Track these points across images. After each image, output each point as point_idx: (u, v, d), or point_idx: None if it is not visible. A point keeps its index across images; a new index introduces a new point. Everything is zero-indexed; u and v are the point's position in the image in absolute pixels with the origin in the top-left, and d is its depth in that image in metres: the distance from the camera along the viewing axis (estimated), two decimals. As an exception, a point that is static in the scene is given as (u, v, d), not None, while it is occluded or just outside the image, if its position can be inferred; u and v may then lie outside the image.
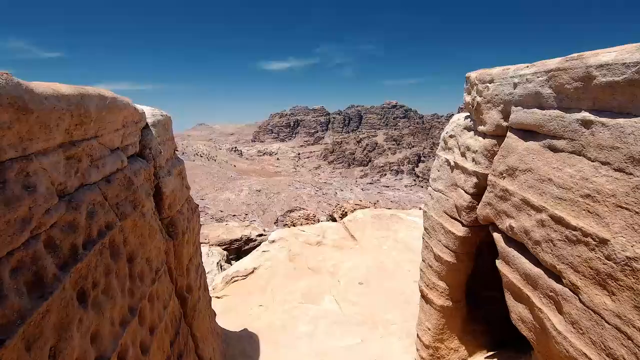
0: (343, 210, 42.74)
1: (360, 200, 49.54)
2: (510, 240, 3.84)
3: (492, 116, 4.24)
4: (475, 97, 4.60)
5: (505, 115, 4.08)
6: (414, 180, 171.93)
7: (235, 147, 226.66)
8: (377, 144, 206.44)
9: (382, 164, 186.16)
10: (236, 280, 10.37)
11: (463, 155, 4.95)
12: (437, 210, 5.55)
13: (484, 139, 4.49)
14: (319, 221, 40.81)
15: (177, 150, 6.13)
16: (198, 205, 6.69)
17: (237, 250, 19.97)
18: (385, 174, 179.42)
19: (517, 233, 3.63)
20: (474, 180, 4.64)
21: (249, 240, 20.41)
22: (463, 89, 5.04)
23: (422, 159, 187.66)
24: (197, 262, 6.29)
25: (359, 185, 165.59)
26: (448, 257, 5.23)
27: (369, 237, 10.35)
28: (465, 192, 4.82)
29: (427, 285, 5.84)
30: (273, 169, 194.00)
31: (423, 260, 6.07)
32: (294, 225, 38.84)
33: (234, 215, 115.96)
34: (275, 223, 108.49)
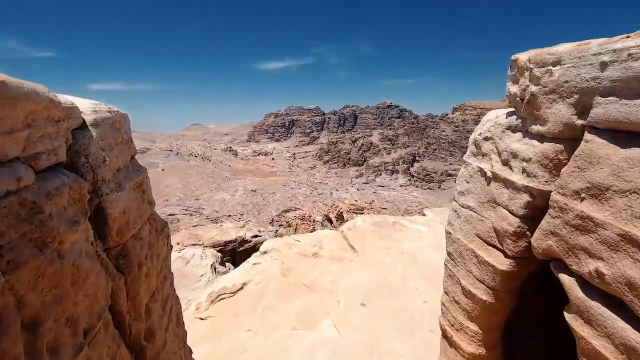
0: (339, 211, 41.49)
1: (356, 200, 48.41)
2: (594, 291, 2.66)
3: (558, 111, 3.06)
4: (527, 86, 3.41)
5: (581, 109, 2.90)
6: (409, 180, 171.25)
7: (230, 147, 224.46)
8: (372, 143, 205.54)
9: (377, 164, 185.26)
10: (223, 299, 9.18)
11: (506, 164, 3.77)
12: (466, 233, 4.36)
13: (541, 142, 3.30)
14: (314, 221, 39.55)
15: (135, 156, 4.85)
16: (167, 223, 5.43)
17: (231, 251, 18.81)
18: (381, 174, 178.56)
19: (611, 283, 2.45)
20: (526, 198, 3.45)
21: (243, 241, 19.25)
22: (509, 76, 3.83)
23: (417, 158, 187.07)
24: (164, 295, 5.04)
25: (354, 185, 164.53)
26: (483, 294, 4.05)
27: (371, 248, 9.13)
28: (511, 213, 3.63)
29: (452, 325, 4.65)
30: (268, 169, 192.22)
31: (446, 293, 4.88)
32: (289, 226, 37.61)
33: (229, 216, 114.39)
34: (270, 223, 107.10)
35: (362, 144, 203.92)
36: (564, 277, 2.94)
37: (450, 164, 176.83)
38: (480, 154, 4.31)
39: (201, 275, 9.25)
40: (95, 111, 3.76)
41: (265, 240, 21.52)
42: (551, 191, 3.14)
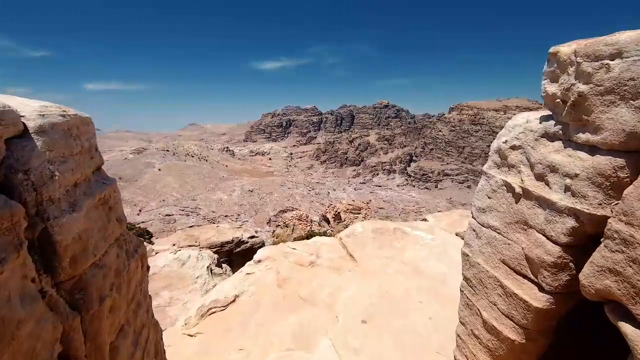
0: (336, 211, 40.96)
1: (353, 200, 47.92)
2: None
3: (619, 117, 2.41)
4: (572, 85, 2.76)
5: (652, 115, 2.25)
6: (406, 179, 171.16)
7: (227, 147, 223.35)
8: (369, 143, 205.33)
9: (374, 164, 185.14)
10: (214, 312, 8.52)
11: (541, 178, 3.12)
12: (488, 257, 3.72)
13: (592, 155, 2.65)
14: (311, 222, 38.96)
15: (102, 166, 4.15)
16: (142, 241, 4.76)
17: (228, 252, 18.24)
18: (378, 174, 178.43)
19: None
20: (570, 223, 2.80)
21: (240, 242, 18.70)
22: (545, 72, 3.17)
23: (414, 158, 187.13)
24: (137, 327, 4.35)
25: (351, 185, 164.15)
26: (510, 332, 3.40)
27: (371, 257, 8.36)
28: (550, 239, 2.99)
29: (470, 363, 3.99)
30: (265, 169, 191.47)
31: (462, 324, 4.23)
32: (287, 226, 36.97)
33: (226, 216, 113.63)
34: (268, 223, 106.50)
35: (359, 144, 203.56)
36: (627, 328, 2.30)
37: (447, 163, 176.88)
38: (506, 165, 3.65)
39: (197, 277, 8.63)
40: (43, 115, 3.06)
41: (262, 241, 20.93)
42: (607, 217, 2.49)
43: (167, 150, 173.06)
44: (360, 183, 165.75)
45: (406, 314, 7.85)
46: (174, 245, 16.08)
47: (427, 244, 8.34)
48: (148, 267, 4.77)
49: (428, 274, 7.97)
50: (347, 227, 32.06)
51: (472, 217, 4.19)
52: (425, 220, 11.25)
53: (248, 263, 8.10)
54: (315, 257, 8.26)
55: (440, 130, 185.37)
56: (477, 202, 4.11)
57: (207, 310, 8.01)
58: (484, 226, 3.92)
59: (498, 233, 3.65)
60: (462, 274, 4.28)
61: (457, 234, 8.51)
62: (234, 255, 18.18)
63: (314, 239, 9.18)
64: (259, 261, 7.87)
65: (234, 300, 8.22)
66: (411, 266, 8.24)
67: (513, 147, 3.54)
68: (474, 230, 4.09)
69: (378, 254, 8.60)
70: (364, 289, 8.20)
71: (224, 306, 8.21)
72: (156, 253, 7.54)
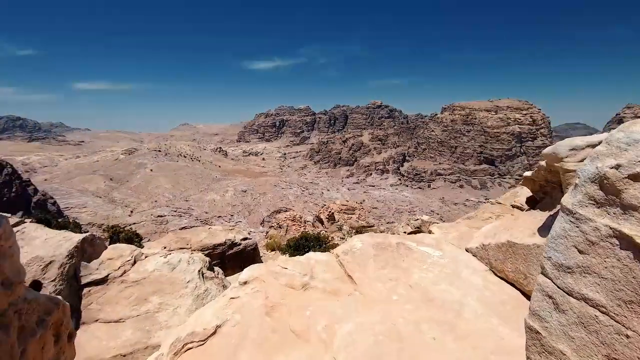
0: (330, 211, 41.02)
1: (347, 201, 47.98)
2: None
3: None
4: None
5: None
6: (399, 179, 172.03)
7: (220, 148, 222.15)
8: (362, 143, 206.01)
9: (367, 164, 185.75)
10: (190, 349, 7.28)
11: None
12: (582, 348, 2.70)
13: None
14: (305, 222, 38.91)
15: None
16: (56, 304, 3.70)
17: (220, 255, 18.05)
18: (371, 174, 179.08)
19: None
20: None
21: (233, 244, 18.53)
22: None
23: (407, 158, 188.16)
24: None
25: (345, 185, 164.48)
26: None
27: (372, 279, 7.19)
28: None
29: None
30: (259, 169, 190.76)
31: None
32: (280, 227, 36.84)
33: (219, 217, 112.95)
34: (261, 224, 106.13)
35: (353, 144, 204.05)
36: None
37: (440, 163, 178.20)
38: (619, 205, 2.53)
39: (188, 282, 8.43)
40: None
41: (255, 243, 20.88)
42: None
43: (159, 151, 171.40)
44: (353, 183, 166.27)
45: (417, 355, 6.55)
46: (164, 248, 15.86)
47: (436, 262, 7.11)
48: (72, 335, 4.20)
49: (440, 302, 6.32)
50: (344, 240, 31.68)
51: (547, 276, 2.98)
52: (430, 232, 10.28)
53: (233, 285, 7.32)
54: (309, 277, 6.98)
55: (432, 130, 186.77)
56: (556, 255, 2.91)
57: (183, 346, 6.93)
58: (571, 295, 2.73)
59: (603, 313, 2.52)
60: (527, 357, 3.22)
61: (467, 250, 7.67)
62: (226, 258, 18.04)
63: (307, 255, 8.26)
64: (245, 283, 6.83)
65: (214, 332, 7.00)
66: (420, 292, 6.71)
67: (636, 177, 2.45)
68: (550, 297, 2.89)
69: (380, 276, 6.98)
70: (366, 322, 6.50)
71: (202, 340, 6.97)
72: (145, 257, 7.41)
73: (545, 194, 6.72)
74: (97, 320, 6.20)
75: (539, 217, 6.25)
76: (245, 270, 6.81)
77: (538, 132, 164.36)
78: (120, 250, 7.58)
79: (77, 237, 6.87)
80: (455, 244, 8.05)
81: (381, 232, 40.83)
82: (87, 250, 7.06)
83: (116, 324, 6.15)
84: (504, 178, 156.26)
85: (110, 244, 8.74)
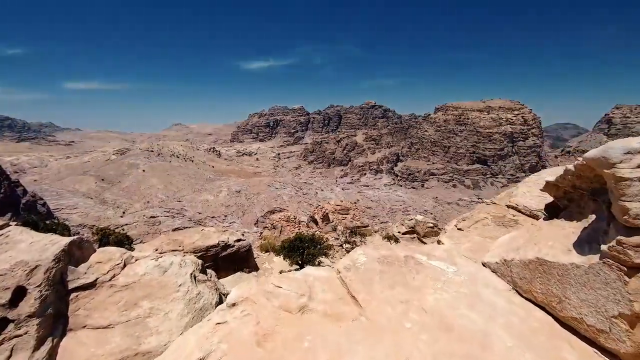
0: (324, 212, 40.93)
1: (341, 201, 47.97)
2: None
3: None
4: None
5: None
6: (393, 179, 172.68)
7: (214, 148, 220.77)
8: (356, 143, 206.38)
9: (361, 164, 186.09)
10: None
11: None
12: None
13: None
14: (299, 223, 38.73)
15: None
16: None
17: (213, 257, 17.81)
18: (365, 174, 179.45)
19: None
20: None
21: (226, 246, 18.30)
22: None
23: (401, 158, 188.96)
24: None
25: (339, 184, 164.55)
26: None
27: (380, 300, 5.96)
28: None
29: None
30: (253, 169, 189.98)
31: None
32: (274, 228, 36.61)
33: (213, 217, 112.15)
34: (255, 224, 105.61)
35: (347, 144, 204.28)
36: None
37: (433, 163, 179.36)
38: None
39: (180, 285, 8.26)
40: None
41: (249, 244, 20.65)
42: None
43: (152, 151, 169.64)
44: (347, 183, 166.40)
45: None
46: (156, 250, 15.58)
47: (451, 280, 6.07)
48: None
49: (461, 331, 5.26)
50: (338, 240, 31.53)
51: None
52: (439, 242, 9.13)
53: (219, 307, 6.09)
54: (307, 298, 5.84)
55: (426, 130, 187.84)
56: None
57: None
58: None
59: None
60: None
61: (485, 265, 6.70)
62: (220, 260, 17.81)
63: (304, 271, 6.98)
64: (234, 305, 5.75)
65: (196, 366, 6.80)
66: (436, 318, 5.63)
67: None
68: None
69: (389, 297, 5.83)
70: (376, 357, 5.25)
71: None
72: (136, 260, 7.14)
73: (571, 201, 6.07)
74: (84, 327, 6.00)
75: (568, 228, 5.63)
76: (234, 289, 6.18)
77: (529, 132, 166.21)
78: (109, 254, 7.37)
79: (64, 241, 6.65)
80: (469, 257, 7.21)
81: (375, 232, 40.83)
82: (75, 254, 6.85)
83: (105, 330, 5.95)
84: (497, 178, 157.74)
85: (99, 246, 8.51)
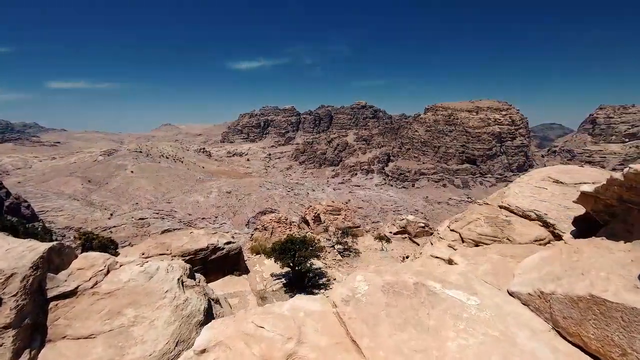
0: (315, 213, 40.78)
1: (333, 201, 47.90)
2: None
3: None
4: None
5: None
6: (384, 179, 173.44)
7: (204, 148, 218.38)
8: (347, 143, 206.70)
9: (352, 164, 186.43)
10: None
11: None
12: None
13: None
14: (291, 224, 38.51)
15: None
16: None
17: (202, 260, 17.43)
18: (356, 174, 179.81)
19: None
20: None
21: (216, 249, 17.95)
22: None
23: (392, 158, 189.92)
24: None
25: (330, 185, 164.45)
26: None
27: (390, 349, 4.57)
28: None
29: None
30: (243, 169, 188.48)
31: None
32: (265, 229, 36.29)
33: (203, 218, 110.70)
34: (246, 225, 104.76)
35: (338, 144, 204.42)
36: None
37: (423, 163, 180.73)
38: None
39: (166, 292, 8.00)
40: None
41: (240, 247, 20.33)
42: None
43: (140, 152, 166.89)
44: (339, 183, 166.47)
45: None
46: (143, 254, 15.18)
47: (475, 318, 4.73)
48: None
49: None
50: (330, 241, 31.25)
51: None
52: (451, 261, 7.55)
53: (186, 354, 4.97)
54: (296, 343, 4.60)
55: (416, 131, 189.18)
56: None
57: None
58: None
59: None
60: None
61: (512, 294, 5.37)
62: (209, 263, 17.43)
63: (293, 304, 5.54)
64: (204, 351, 4.64)
65: None
66: None
67: None
68: None
69: (400, 344, 4.50)
70: None
71: None
72: (120, 266, 6.81)
73: (613, 216, 5.21)
74: (64, 337, 5.70)
75: (620, 252, 4.64)
76: (205, 329, 5.06)
77: (517, 132, 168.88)
78: (92, 260, 7.06)
79: (42, 247, 6.33)
80: (491, 283, 5.86)
81: (367, 232, 40.79)
82: (55, 261, 6.53)
83: (86, 341, 5.66)
84: (485, 177, 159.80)
85: (82, 252, 8.18)
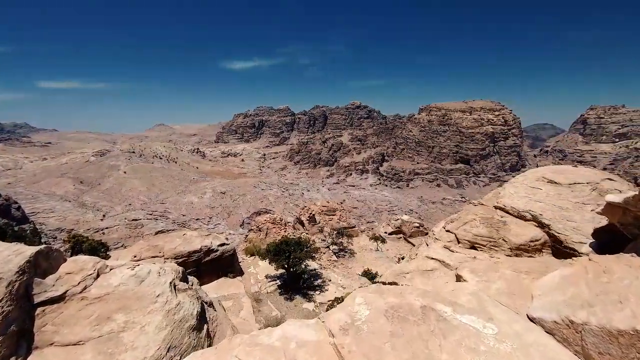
0: (310, 213, 40.68)
1: (328, 202, 47.81)
2: None
3: None
4: None
5: None
6: (379, 179, 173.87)
7: (198, 149, 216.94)
8: (342, 144, 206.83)
9: (347, 164, 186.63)
10: None
11: None
12: None
13: None
14: (285, 224, 38.33)
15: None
16: None
17: (196, 262, 17.21)
18: (351, 174, 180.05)
19: None
20: None
21: (209, 250, 17.74)
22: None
23: (386, 158, 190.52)
24: None
25: (325, 185, 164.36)
26: None
27: None
28: None
29: None
30: (238, 170, 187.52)
31: None
32: (260, 230, 36.09)
33: (198, 219, 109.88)
34: (241, 225, 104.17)
35: (333, 144, 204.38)
36: None
37: (417, 163, 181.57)
38: None
39: (158, 296, 7.85)
40: None
41: (234, 248, 20.13)
42: None
43: (133, 152, 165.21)
44: (333, 183, 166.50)
45: None
46: (134, 257, 14.91)
47: (494, 351, 4.16)
48: None
49: None
50: (325, 241, 31.07)
51: None
52: (459, 278, 6.75)
53: None
54: None
55: (410, 131, 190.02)
56: None
57: None
58: None
59: None
60: None
61: (532, 320, 4.84)
62: (202, 265, 17.20)
63: (284, 330, 4.77)
64: None
65: None
66: None
67: None
68: None
69: None
70: None
71: None
72: (111, 269, 6.60)
73: None
74: (52, 344, 5.53)
75: None
76: None
77: (510, 132, 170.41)
78: (81, 263, 6.88)
79: (29, 251, 6.15)
80: (506, 304, 5.18)
81: (362, 232, 40.76)
82: (42, 265, 6.35)
83: (74, 347, 5.50)
84: (479, 177, 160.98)
85: (72, 255, 7.99)
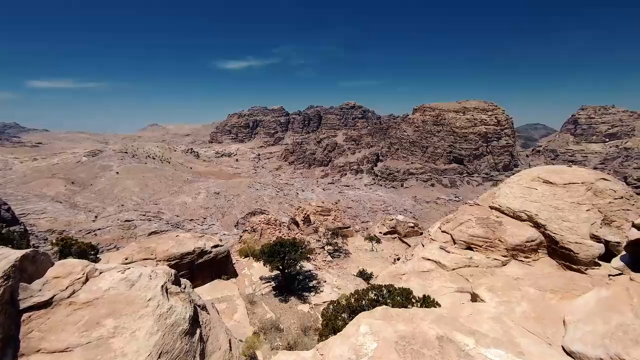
0: (305, 213, 40.56)
1: (323, 202, 47.72)
2: None
3: None
4: None
5: None
6: (373, 179, 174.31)
7: (192, 149, 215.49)
8: (337, 144, 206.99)
9: (342, 164, 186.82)
10: None
11: None
12: None
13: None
14: (280, 225, 38.15)
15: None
16: None
17: (189, 265, 16.95)
18: (346, 174, 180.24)
19: None
20: None
21: (203, 252, 17.50)
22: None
23: (381, 158, 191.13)
24: None
25: (320, 185, 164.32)
26: None
27: None
28: None
29: None
30: (232, 170, 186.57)
31: None
32: (254, 231, 35.86)
33: (191, 220, 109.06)
34: (235, 226, 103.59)
35: (327, 144, 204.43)
36: None
37: (412, 163, 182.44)
38: None
39: (149, 300, 7.64)
40: None
41: (227, 250, 19.88)
42: None
43: (126, 152, 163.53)
44: (328, 183, 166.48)
45: None
46: (126, 259, 14.63)
47: None
48: None
49: None
50: (320, 242, 30.86)
51: None
52: (475, 297, 6.01)
53: None
54: None
55: (404, 131, 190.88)
56: None
57: None
58: None
59: None
60: None
61: (570, 354, 4.09)
62: (196, 268, 16.97)
63: None
64: None
65: None
66: None
67: None
68: None
69: None
70: None
71: None
72: (100, 273, 6.37)
73: None
74: (38, 351, 5.34)
75: None
76: None
77: (502, 132, 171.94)
78: (69, 267, 6.68)
79: (14, 255, 5.94)
80: (535, 331, 4.38)
81: (356, 232, 40.70)
82: (28, 269, 6.14)
83: (62, 354, 5.32)
84: (472, 177, 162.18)
85: (60, 258, 7.76)
